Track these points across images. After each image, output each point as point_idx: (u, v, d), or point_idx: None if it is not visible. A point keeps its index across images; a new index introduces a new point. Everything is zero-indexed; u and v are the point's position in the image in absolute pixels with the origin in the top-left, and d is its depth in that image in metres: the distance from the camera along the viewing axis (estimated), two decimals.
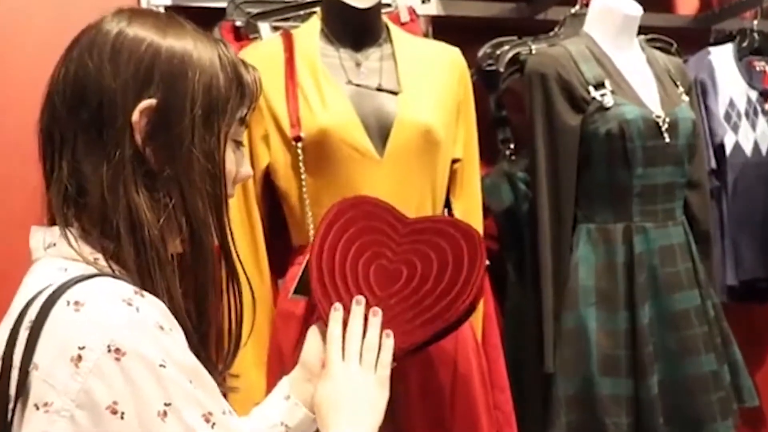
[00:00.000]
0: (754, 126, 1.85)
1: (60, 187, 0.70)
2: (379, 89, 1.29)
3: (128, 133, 0.68)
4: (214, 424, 0.64)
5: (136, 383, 0.59)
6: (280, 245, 1.34)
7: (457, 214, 1.39)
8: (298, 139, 1.23)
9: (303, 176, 1.23)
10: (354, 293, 0.99)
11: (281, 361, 1.24)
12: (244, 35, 1.47)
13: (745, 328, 1.87)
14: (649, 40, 1.66)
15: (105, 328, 0.59)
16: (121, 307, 0.61)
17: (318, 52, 1.30)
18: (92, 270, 0.66)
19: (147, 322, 0.61)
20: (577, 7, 1.66)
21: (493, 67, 1.65)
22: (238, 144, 0.79)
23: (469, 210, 1.41)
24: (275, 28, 1.45)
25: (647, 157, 1.47)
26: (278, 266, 1.33)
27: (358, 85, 1.28)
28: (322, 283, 1.01)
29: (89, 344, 0.58)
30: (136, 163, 0.69)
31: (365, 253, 1.03)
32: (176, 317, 0.67)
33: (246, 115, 0.78)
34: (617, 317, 1.48)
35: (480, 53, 1.66)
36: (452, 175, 1.38)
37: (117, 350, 0.59)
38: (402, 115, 1.26)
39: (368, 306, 0.96)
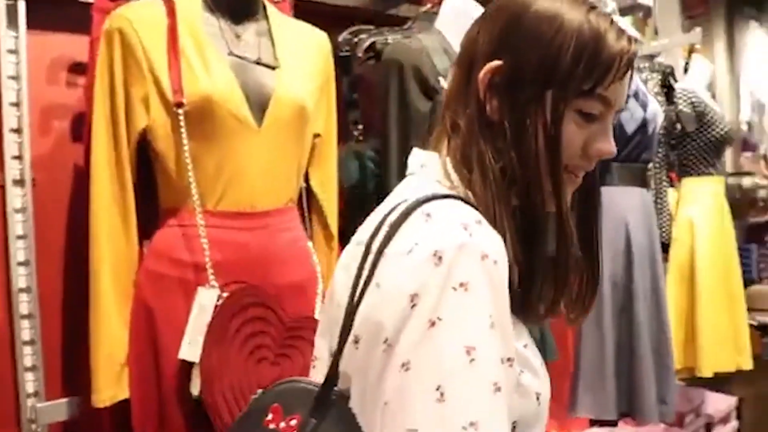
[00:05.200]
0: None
1: (443, 120, 0.81)
2: (258, 63, 1.34)
3: (476, 86, 0.77)
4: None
5: (441, 289, 0.65)
6: (146, 207, 1.34)
7: (314, 184, 1.49)
8: (180, 105, 1.24)
9: (185, 141, 1.25)
10: None
11: (149, 317, 1.28)
12: None
13: None
14: None
15: (441, 237, 0.67)
16: (457, 226, 0.68)
17: (201, 21, 1.32)
18: (451, 192, 0.74)
19: (474, 247, 0.66)
20: (428, 6, 1.80)
21: (349, 53, 1.74)
22: (588, 116, 0.77)
23: (325, 182, 1.51)
24: None
25: None
26: (143, 228, 1.33)
27: (239, 57, 1.32)
28: None
29: (421, 244, 0.67)
30: (481, 114, 0.77)
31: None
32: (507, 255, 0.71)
33: (597, 88, 0.75)
34: None
35: (340, 38, 1.73)
36: (312, 149, 1.47)
37: (439, 258, 0.65)
38: (280, 90, 1.33)
39: None
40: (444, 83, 1.61)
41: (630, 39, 0.77)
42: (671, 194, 2.50)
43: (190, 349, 1.24)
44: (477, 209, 0.72)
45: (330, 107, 1.50)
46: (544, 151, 0.75)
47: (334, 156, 1.53)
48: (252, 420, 0.75)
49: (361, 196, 1.74)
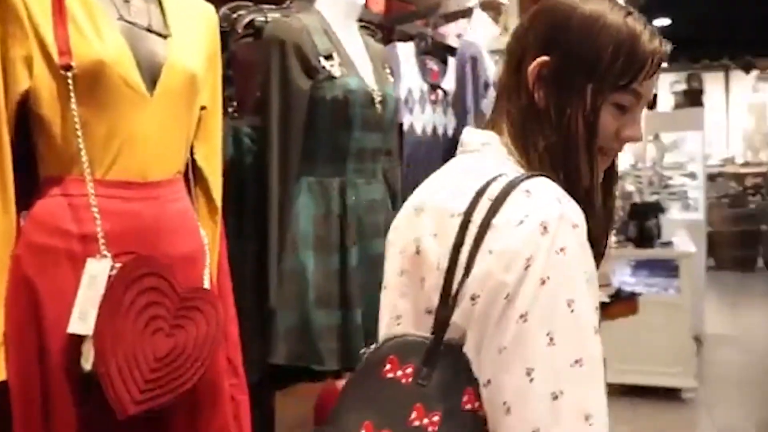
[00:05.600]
0: (423, 111, 2.26)
1: (498, 105, 0.93)
2: (149, 30, 1.32)
3: (526, 77, 0.88)
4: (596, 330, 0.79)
5: (547, 253, 0.77)
6: (23, 175, 1.27)
7: (199, 158, 1.48)
8: (68, 67, 1.19)
9: (74, 106, 1.20)
10: None
11: (31, 292, 1.22)
12: None
13: None
14: (361, 27, 1.92)
15: (544, 210, 0.79)
16: (555, 201, 0.80)
17: None
18: (521, 169, 0.87)
19: (568, 218, 0.79)
20: None
21: (227, 29, 1.72)
22: (621, 108, 0.88)
23: (210, 155, 1.51)
24: None
25: (363, 124, 1.72)
26: (21, 197, 1.26)
27: (129, 23, 1.29)
28: None
29: (530, 216, 0.78)
30: (530, 102, 0.88)
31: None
32: None
33: (632, 83, 0.87)
34: (331, 259, 1.70)
35: (219, 14, 1.65)
36: (198, 121, 1.46)
37: (545, 228, 0.78)
38: (172, 59, 1.32)
39: None
40: (324, 63, 1.67)
41: (661, 41, 0.89)
42: None
43: (81, 322, 1.20)
44: None
45: (216, 80, 1.49)
46: (583, 136, 0.87)
47: (219, 129, 1.53)
48: (369, 372, 0.83)
49: (237, 171, 1.74)
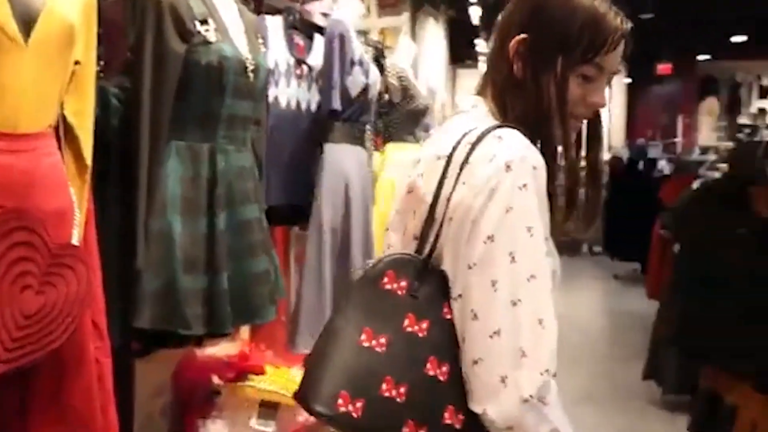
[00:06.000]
0: (288, 85, 2.31)
1: (486, 74, 1.10)
2: None
3: (508, 52, 1.04)
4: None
5: (511, 187, 0.93)
6: None
7: (70, 113, 1.43)
8: None
9: None
10: None
11: None
12: None
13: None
14: None
15: (510, 152, 0.95)
16: (521, 146, 0.97)
17: None
18: (501, 124, 1.01)
19: (529, 161, 0.95)
20: None
21: None
22: (586, 78, 1.03)
23: (82, 111, 1.47)
24: None
25: (235, 91, 1.73)
26: None
27: None
28: None
29: (498, 156, 0.94)
30: (510, 73, 1.04)
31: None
32: None
33: (596, 57, 1.02)
34: (198, 223, 1.71)
35: None
36: (71, 76, 1.41)
37: (508, 166, 0.93)
38: (50, 8, 1.28)
39: None
40: (200, 27, 1.67)
41: (623, 20, 1.04)
42: (376, 157, 2.83)
43: None
44: None
45: (91, 35, 1.45)
46: (555, 101, 1.03)
47: (92, 86, 1.48)
48: (369, 284, 0.97)
49: (104, 131, 1.67)
